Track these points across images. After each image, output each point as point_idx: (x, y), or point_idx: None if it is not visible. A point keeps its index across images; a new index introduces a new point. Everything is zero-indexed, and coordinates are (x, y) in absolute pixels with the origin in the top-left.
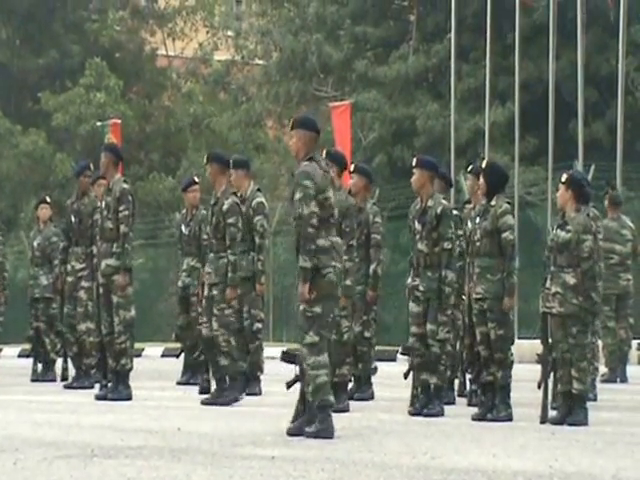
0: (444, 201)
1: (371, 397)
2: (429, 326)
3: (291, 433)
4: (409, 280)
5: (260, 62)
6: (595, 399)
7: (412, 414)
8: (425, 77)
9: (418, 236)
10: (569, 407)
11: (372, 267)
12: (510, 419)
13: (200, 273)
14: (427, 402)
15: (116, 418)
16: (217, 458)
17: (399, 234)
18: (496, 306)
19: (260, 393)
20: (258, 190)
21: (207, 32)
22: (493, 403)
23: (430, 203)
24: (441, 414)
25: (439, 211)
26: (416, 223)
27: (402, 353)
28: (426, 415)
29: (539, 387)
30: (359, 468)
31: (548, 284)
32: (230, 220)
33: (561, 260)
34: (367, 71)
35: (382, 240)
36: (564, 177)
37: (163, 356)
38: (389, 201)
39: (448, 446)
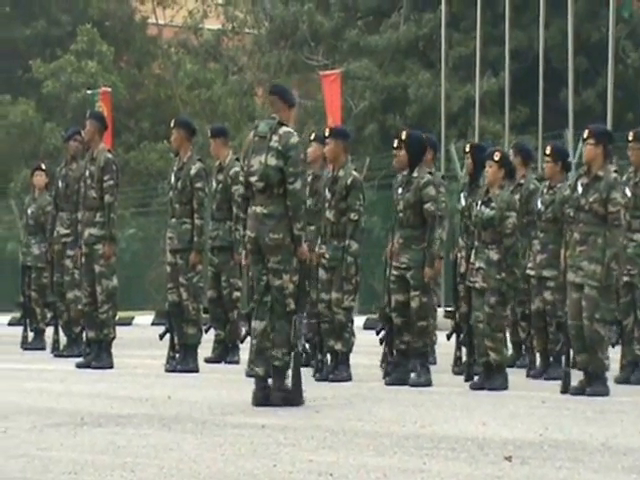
0: (355, 172)
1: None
2: (334, 294)
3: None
4: (317, 248)
5: (251, 32)
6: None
7: (317, 380)
8: (416, 46)
9: (327, 205)
10: (487, 375)
11: None
12: (429, 384)
13: None
14: (334, 368)
15: (106, 386)
16: (207, 426)
17: (390, 203)
18: (419, 275)
19: (239, 362)
20: (237, 159)
21: (196, 0)
22: (408, 368)
23: (341, 173)
24: (347, 379)
25: (349, 182)
26: (326, 191)
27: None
28: (332, 380)
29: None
30: (349, 436)
31: (472, 259)
32: (198, 185)
33: (485, 236)
34: (358, 40)
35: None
36: (497, 156)
37: (153, 324)
38: (380, 169)
39: (438, 415)
